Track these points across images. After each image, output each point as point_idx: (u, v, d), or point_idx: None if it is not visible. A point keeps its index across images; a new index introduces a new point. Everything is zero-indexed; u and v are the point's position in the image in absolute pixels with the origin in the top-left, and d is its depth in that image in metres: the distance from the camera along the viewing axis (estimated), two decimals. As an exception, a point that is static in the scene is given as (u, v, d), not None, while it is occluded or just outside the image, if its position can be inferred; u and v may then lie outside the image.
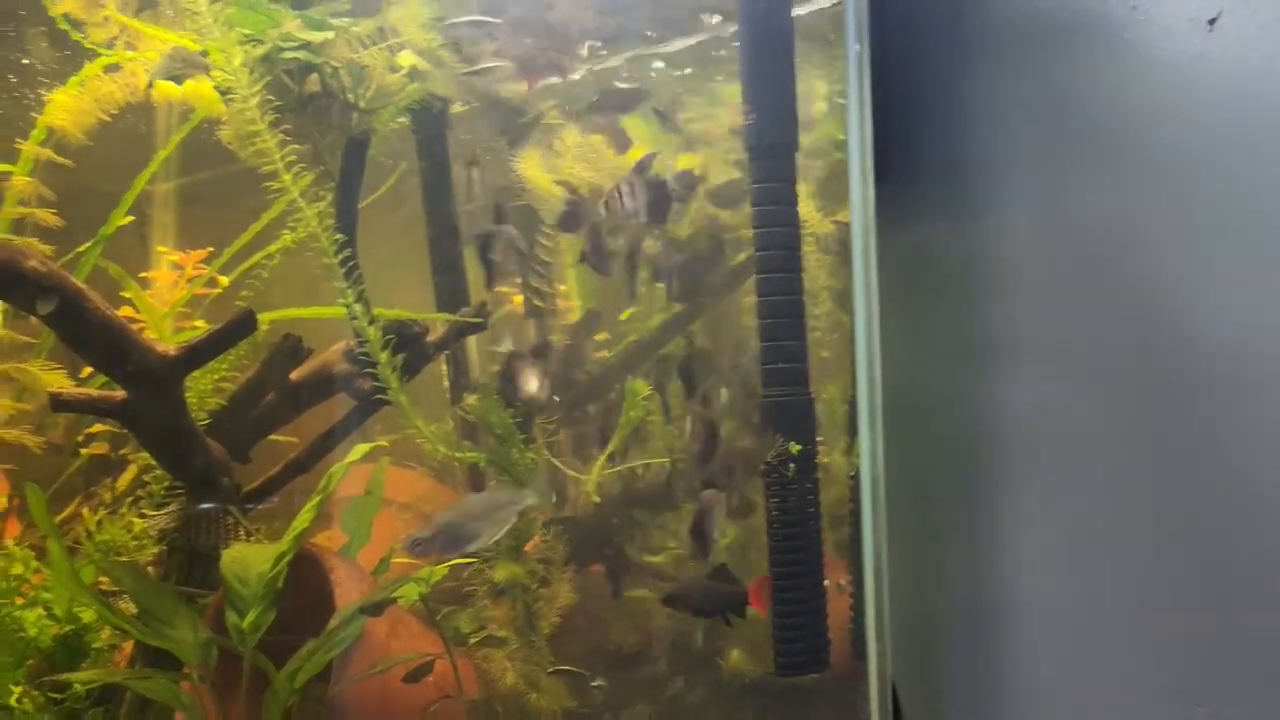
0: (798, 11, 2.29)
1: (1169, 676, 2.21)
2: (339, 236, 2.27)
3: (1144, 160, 2.23)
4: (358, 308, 2.29)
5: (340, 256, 2.26)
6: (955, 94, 2.50)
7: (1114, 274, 2.28)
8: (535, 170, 2.49)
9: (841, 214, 2.53)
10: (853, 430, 2.34)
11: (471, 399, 2.45)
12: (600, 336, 2.75)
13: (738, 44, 2.26)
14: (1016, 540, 2.45)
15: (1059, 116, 2.35)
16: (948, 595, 2.56)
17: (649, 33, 2.60)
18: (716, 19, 2.56)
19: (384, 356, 2.32)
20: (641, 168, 2.35)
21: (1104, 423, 2.30)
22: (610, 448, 2.51)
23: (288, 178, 2.22)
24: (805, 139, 2.31)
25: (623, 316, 2.78)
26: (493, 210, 2.42)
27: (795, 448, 2.26)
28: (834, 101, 2.54)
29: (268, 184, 2.22)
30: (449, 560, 2.32)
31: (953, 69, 2.50)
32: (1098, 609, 2.32)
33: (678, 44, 2.60)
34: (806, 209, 2.47)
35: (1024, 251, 2.42)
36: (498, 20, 2.39)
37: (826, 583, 2.33)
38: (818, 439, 2.31)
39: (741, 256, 2.64)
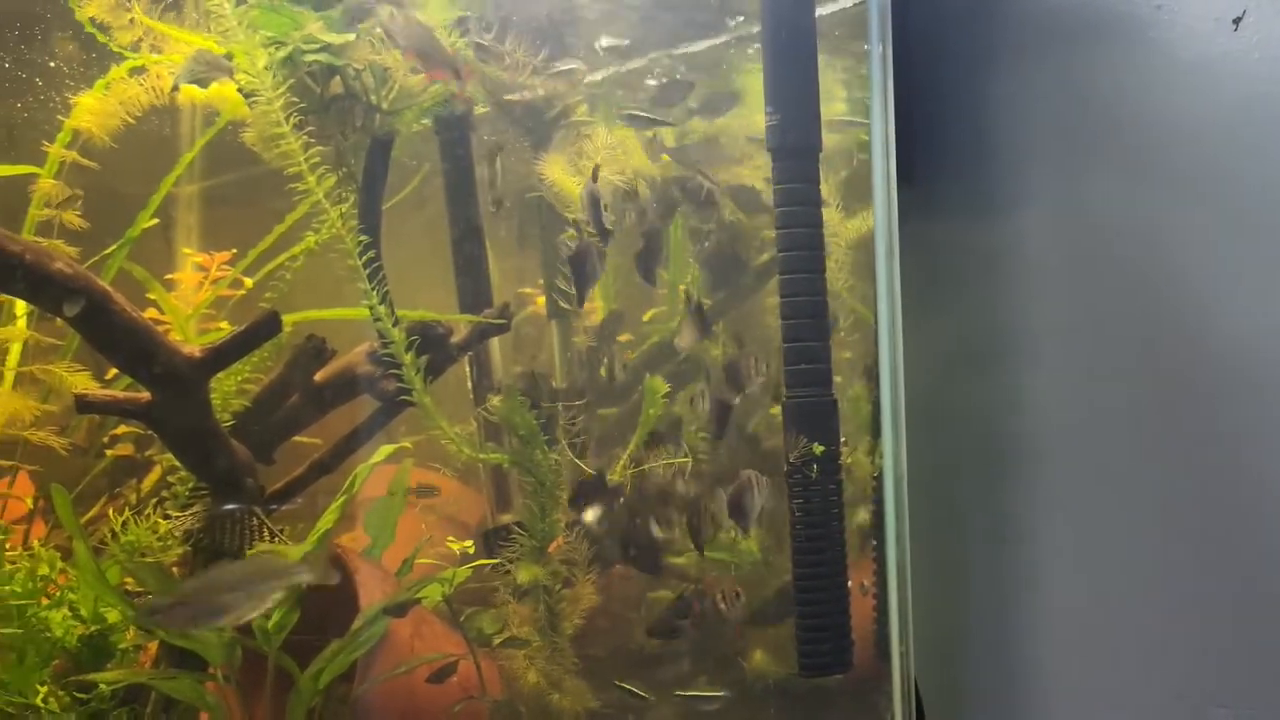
0: (820, 12, 2.28)
1: (1190, 676, 2.21)
2: (363, 238, 2.27)
3: (1168, 160, 2.23)
4: (382, 309, 2.29)
5: (364, 258, 2.26)
6: (978, 93, 2.50)
7: (1137, 274, 2.28)
8: (560, 173, 2.49)
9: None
10: (875, 431, 2.34)
11: (495, 400, 2.45)
12: (624, 337, 2.75)
13: (760, 44, 2.26)
14: (1038, 540, 2.45)
15: (1082, 116, 2.35)
16: (970, 595, 2.56)
17: (685, 34, 2.60)
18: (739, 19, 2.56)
19: (408, 358, 2.32)
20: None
21: (1125, 423, 2.30)
22: (631, 447, 2.51)
23: (312, 179, 2.23)
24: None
25: (645, 318, 2.78)
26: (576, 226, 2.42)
27: (818, 449, 2.26)
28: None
29: (292, 186, 2.23)
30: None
31: (975, 68, 2.50)
32: (1119, 609, 2.32)
33: (702, 44, 2.60)
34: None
35: (1047, 251, 2.42)
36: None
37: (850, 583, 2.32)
38: (842, 440, 2.30)
39: (764, 257, 2.64)
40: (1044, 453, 2.43)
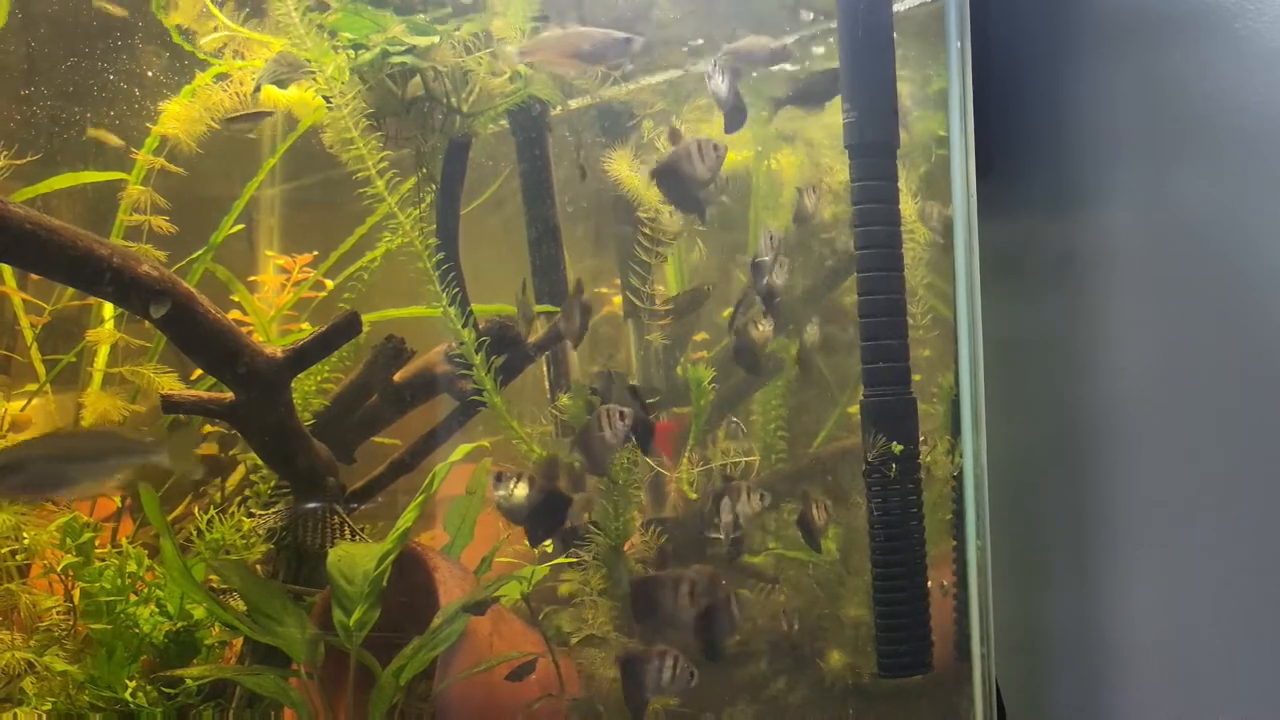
0: (897, 7, 2.26)
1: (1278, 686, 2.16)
2: (433, 241, 2.28)
3: (1255, 153, 2.19)
4: (452, 310, 2.30)
5: (435, 260, 2.27)
6: (1058, 87, 2.46)
7: (1223, 269, 2.23)
8: (624, 169, 2.49)
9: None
10: (955, 429, 2.31)
11: (564, 399, 2.45)
12: (699, 336, 2.74)
13: (837, 41, 2.25)
14: (1121, 539, 2.41)
15: (1166, 109, 2.31)
16: (1052, 595, 2.52)
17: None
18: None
19: (478, 359, 2.33)
20: None
21: (1210, 420, 2.25)
22: (690, 440, 2.50)
23: (380, 184, 2.24)
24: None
25: (724, 315, 2.77)
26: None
27: (897, 448, 2.24)
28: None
29: (364, 190, 2.25)
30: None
31: (1056, 61, 2.46)
32: (1205, 608, 2.28)
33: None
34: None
35: (1130, 246, 2.38)
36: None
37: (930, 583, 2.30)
38: (920, 439, 2.28)
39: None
40: (1127, 451, 2.39)
